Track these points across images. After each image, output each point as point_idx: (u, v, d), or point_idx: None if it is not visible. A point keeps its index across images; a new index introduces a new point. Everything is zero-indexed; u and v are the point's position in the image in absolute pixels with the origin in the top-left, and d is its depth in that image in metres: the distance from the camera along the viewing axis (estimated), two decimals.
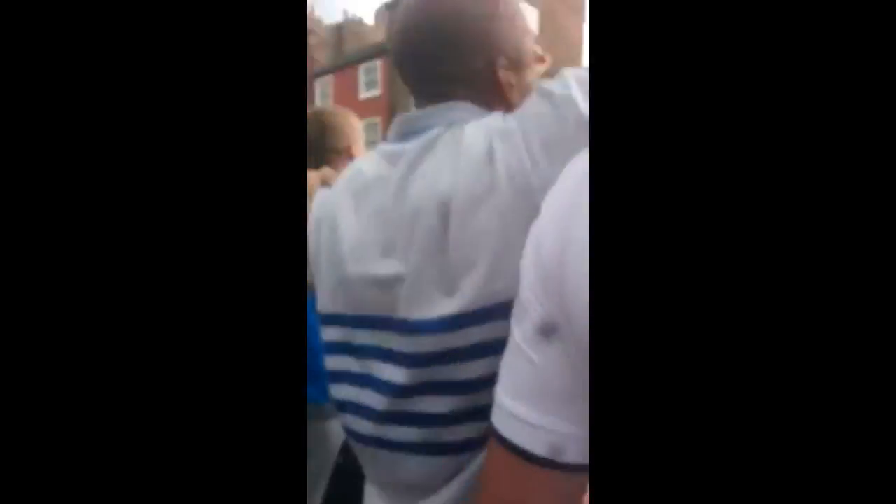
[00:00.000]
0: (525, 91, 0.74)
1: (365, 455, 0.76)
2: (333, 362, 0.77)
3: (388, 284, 0.68)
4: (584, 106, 0.61)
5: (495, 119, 0.67)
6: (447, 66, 0.72)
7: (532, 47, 0.76)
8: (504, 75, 0.72)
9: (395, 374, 0.69)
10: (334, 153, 1.46)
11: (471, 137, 0.66)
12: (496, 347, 0.57)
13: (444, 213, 0.64)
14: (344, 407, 0.77)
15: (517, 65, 0.74)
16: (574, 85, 0.63)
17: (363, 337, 0.72)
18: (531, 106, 0.65)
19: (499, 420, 0.49)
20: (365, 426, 0.73)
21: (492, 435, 0.50)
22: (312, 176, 0.88)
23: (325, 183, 0.85)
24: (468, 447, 0.67)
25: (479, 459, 0.66)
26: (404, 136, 0.74)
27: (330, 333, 0.77)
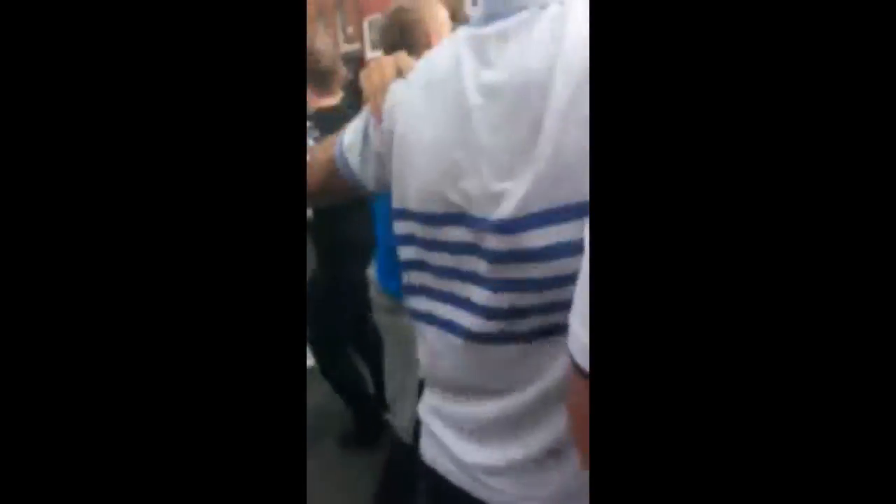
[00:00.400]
0: None
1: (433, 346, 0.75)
2: (406, 252, 0.75)
3: (459, 175, 0.64)
4: None
5: None
6: None
7: None
8: None
9: (476, 264, 0.66)
10: (415, 50, 1.38)
11: (576, 17, 0.58)
12: (565, 250, 0.57)
13: (540, 100, 0.57)
14: (414, 291, 0.76)
15: None
16: None
17: (438, 233, 0.69)
18: None
19: (574, 348, 0.50)
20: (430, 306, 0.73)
21: (571, 362, 0.51)
22: (388, 64, 0.79)
23: (401, 73, 0.78)
24: (537, 336, 0.65)
25: (556, 371, 0.64)
26: (490, 17, 0.66)
27: (402, 227, 0.74)
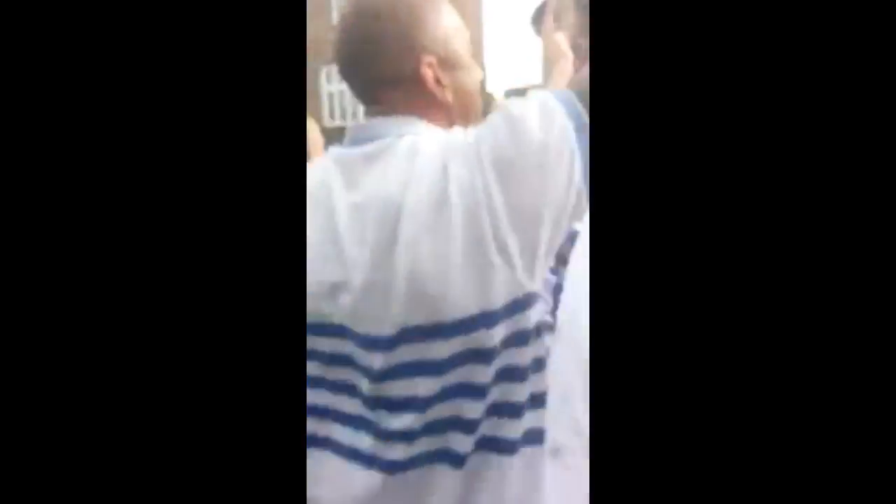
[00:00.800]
0: (463, 91, 0.76)
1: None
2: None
3: (334, 290, 0.68)
4: (538, 135, 0.62)
5: (452, 136, 0.70)
6: (374, 68, 0.74)
7: (463, 46, 0.77)
8: (429, 73, 0.73)
9: (357, 379, 0.68)
10: None
11: (426, 148, 0.68)
12: (438, 366, 0.60)
13: (395, 215, 0.64)
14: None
15: (446, 63, 0.75)
16: (535, 110, 0.64)
17: (321, 343, 0.71)
18: (489, 126, 0.67)
19: None
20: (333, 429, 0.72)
21: None
22: None
23: None
24: (414, 464, 0.66)
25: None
26: (355, 141, 0.75)
27: None
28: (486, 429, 0.64)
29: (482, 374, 0.63)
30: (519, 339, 0.63)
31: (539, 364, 0.66)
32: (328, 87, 12.87)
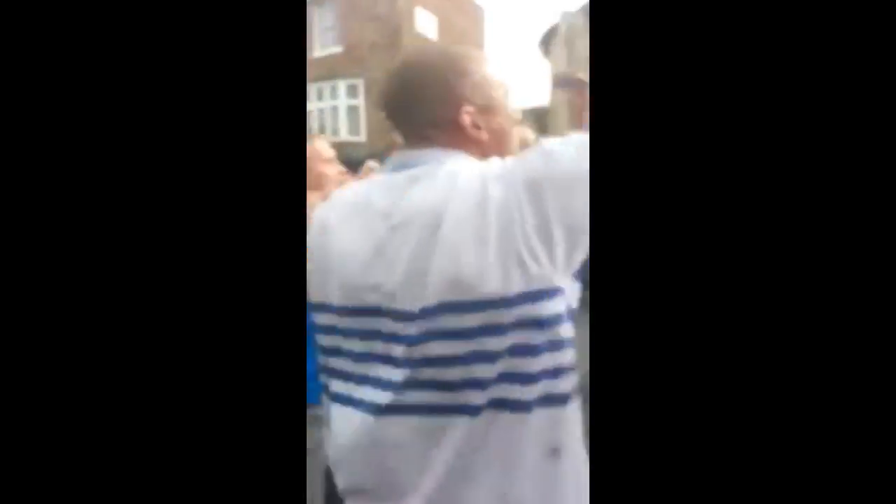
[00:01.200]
0: (498, 132, 0.88)
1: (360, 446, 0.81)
2: (325, 340, 0.87)
3: (374, 288, 0.78)
4: (568, 165, 0.72)
5: (491, 164, 0.79)
6: (419, 113, 0.86)
7: (501, 93, 0.89)
8: (467, 119, 0.84)
9: (390, 349, 0.78)
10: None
11: (467, 172, 0.78)
12: (467, 334, 0.71)
13: (437, 221, 0.75)
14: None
15: (486, 111, 0.87)
16: (572, 145, 0.74)
17: (354, 323, 0.82)
18: (525, 156, 0.77)
19: None
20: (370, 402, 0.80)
21: None
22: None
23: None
24: (436, 411, 0.75)
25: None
26: (399, 167, 0.85)
27: (322, 318, 0.86)
28: (497, 391, 0.73)
29: (496, 344, 0.72)
30: (534, 322, 0.73)
31: (555, 345, 0.75)
32: (317, 104, 13.31)
